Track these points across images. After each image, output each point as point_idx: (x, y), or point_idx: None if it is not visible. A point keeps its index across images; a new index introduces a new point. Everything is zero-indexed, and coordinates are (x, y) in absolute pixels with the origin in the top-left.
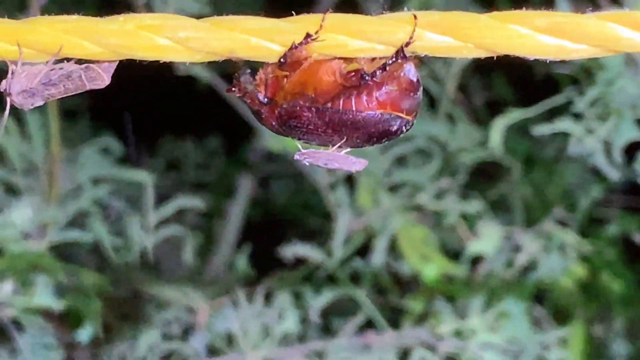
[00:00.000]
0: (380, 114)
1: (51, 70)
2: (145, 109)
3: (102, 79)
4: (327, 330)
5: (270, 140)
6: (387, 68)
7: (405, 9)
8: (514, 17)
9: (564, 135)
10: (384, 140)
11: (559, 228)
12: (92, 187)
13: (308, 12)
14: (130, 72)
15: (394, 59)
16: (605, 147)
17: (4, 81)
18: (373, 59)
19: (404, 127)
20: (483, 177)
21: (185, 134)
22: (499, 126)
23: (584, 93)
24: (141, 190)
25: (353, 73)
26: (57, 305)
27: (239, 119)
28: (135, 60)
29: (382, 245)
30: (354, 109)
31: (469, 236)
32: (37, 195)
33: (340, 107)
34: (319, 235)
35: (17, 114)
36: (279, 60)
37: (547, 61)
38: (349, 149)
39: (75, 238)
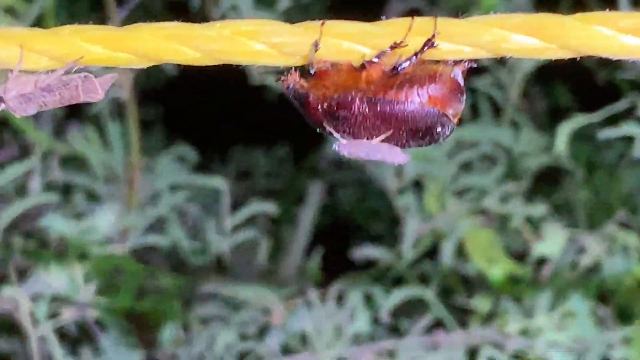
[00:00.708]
0: (430, 108)
1: (51, 76)
2: (217, 120)
3: (97, 93)
4: (396, 330)
5: None
6: (402, 68)
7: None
8: (598, 18)
9: (625, 140)
10: (426, 139)
11: (622, 230)
12: (169, 193)
13: (371, 19)
14: (200, 83)
15: (416, 55)
16: None
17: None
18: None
19: (447, 129)
20: (547, 181)
21: (255, 143)
22: (565, 131)
23: None
24: (215, 196)
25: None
26: (138, 306)
27: (307, 128)
28: (207, 72)
29: (450, 248)
30: (405, 100)
31: (534, 239)
32: (118, 201)
33: (392, 98)
34: (384, 239)
35: (98, 124)
36: (394, 67)
37: (632, 62)
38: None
39: (154, 242)
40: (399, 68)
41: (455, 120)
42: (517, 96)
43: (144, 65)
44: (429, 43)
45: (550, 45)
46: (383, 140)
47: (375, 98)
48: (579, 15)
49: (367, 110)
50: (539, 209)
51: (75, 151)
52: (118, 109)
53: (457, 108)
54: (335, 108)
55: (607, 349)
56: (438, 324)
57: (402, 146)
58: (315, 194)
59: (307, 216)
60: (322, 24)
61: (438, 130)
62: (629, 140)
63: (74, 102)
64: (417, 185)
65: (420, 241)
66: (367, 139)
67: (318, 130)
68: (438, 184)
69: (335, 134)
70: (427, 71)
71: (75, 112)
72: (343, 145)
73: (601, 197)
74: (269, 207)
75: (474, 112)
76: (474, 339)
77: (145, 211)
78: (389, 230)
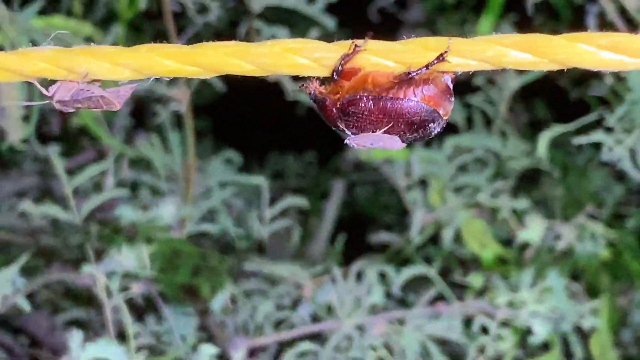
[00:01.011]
0: (424, 105)
1: (82, 88)
2: (257, 130)
3: (114, 104)
4: (405, 302)
5: (360, 151)
6: (416, 75)
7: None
8: (580, 37)
9: (594, 146)
10: (420, 131)
11: (590, 221)
12: (219, 190)
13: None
14: (244, 99)
15: (427, 67)
16: (631, 154)
17: (51, 90)
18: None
19: (438, 124)
20: (529, 180)
21: (288, 149)
22: (544, 139)
23: (613, 111)
24: (256, 192)
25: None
26: (193, 281)
27: (331, 136)
28: (249, 90)
29: (449, 234)
30: (404, 97)
31: (518, 227)
32: (177, 196)
33: (393, 96)
34: (395, 227)
35: (161, 132)
36: (407, 74)
37: (600, 81)
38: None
39: (207, 229)
40: (412, 74)
41: (446, 118)
42: (505, 110)
43: (208, 76)
44: (441, 57)
45: (542, 59)
46: (384, 132)
47: (379, 96)
48: (565, 35)
49: (372, 106)
50: (523, 203)
51: (142, 154)
52: (177, 120)
53: (447, 107)
54: (346, 105)
55: (579, 319)
56: (440, 297)
57: (401, 135)
58: (337, 190)
59: (331, 209)
60: (352, 42)
61: (430, 124)
62: (597, 146)
63: (98, 109)
64: (423, 183)
65: (425, 229)
66: (372, 131)
67: (333, 129)
68: (440, 182)
69: (347, 131)
70: (423, 75)
71: (142, 123)
72: (353, 138)
73: (573, 193)
74: (300, 202)
75: (469, 123)
76: (470, 310)
77: (199, 204)
78: (399, 220)
